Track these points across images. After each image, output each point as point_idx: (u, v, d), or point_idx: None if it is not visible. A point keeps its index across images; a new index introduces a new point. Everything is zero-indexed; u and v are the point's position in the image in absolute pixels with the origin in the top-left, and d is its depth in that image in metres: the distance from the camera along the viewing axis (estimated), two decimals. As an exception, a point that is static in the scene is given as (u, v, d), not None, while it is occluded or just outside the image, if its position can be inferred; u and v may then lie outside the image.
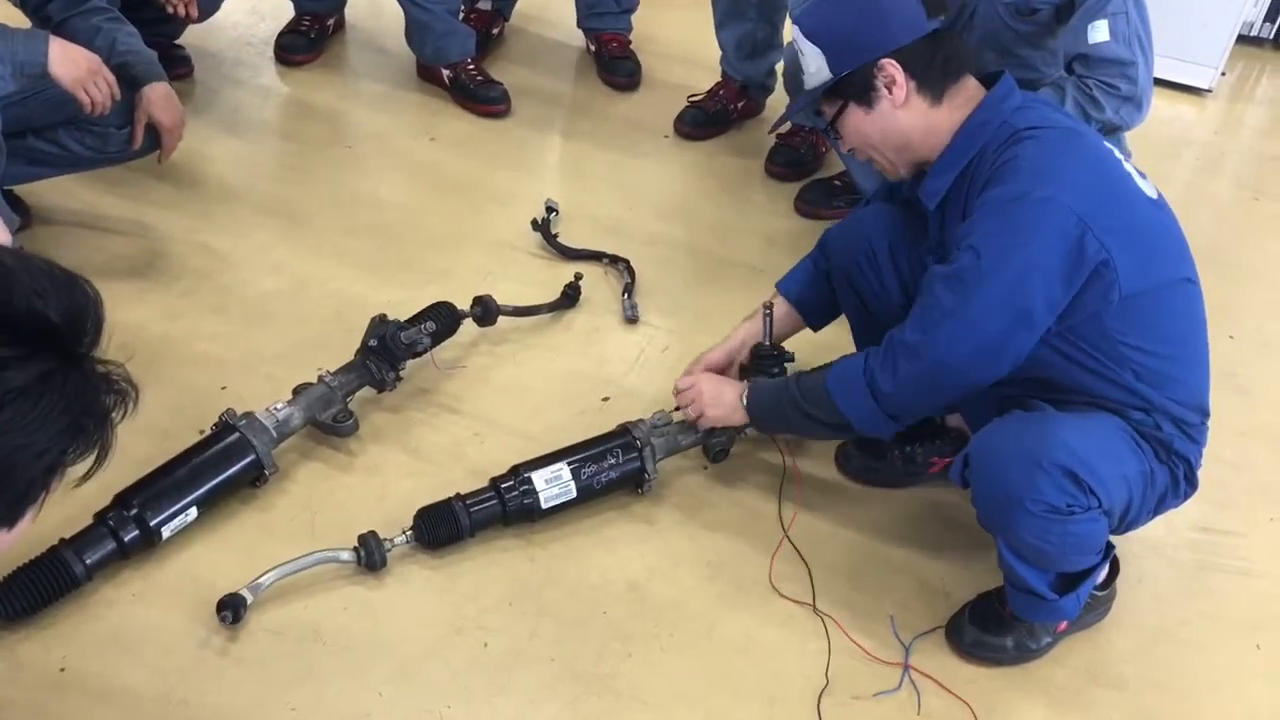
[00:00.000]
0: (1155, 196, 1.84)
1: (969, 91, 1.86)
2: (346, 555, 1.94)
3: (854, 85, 1.85)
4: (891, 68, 1.82)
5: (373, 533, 1.95)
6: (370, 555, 1.94)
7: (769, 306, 2.20)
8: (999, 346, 1.75)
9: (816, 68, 1.87)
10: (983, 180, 1.79)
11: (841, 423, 1.90)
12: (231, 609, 1.82)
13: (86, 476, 0.98)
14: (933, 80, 1.84)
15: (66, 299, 0.89)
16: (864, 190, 2.82)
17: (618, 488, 2.12)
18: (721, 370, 2.18)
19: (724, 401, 2.07)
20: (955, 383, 1.82)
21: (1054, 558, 1.78)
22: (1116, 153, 1.84)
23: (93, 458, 0.96)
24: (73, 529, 1.89)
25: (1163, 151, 3.51)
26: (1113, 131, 2.44)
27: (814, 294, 2.20)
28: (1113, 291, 1.73)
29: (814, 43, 1.86)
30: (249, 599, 1.84)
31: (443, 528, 1.99)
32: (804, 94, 1.94)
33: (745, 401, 2.05)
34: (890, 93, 1.83)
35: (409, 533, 1.99)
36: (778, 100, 3.30)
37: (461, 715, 1.79)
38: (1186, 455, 1.83)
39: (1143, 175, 1.85)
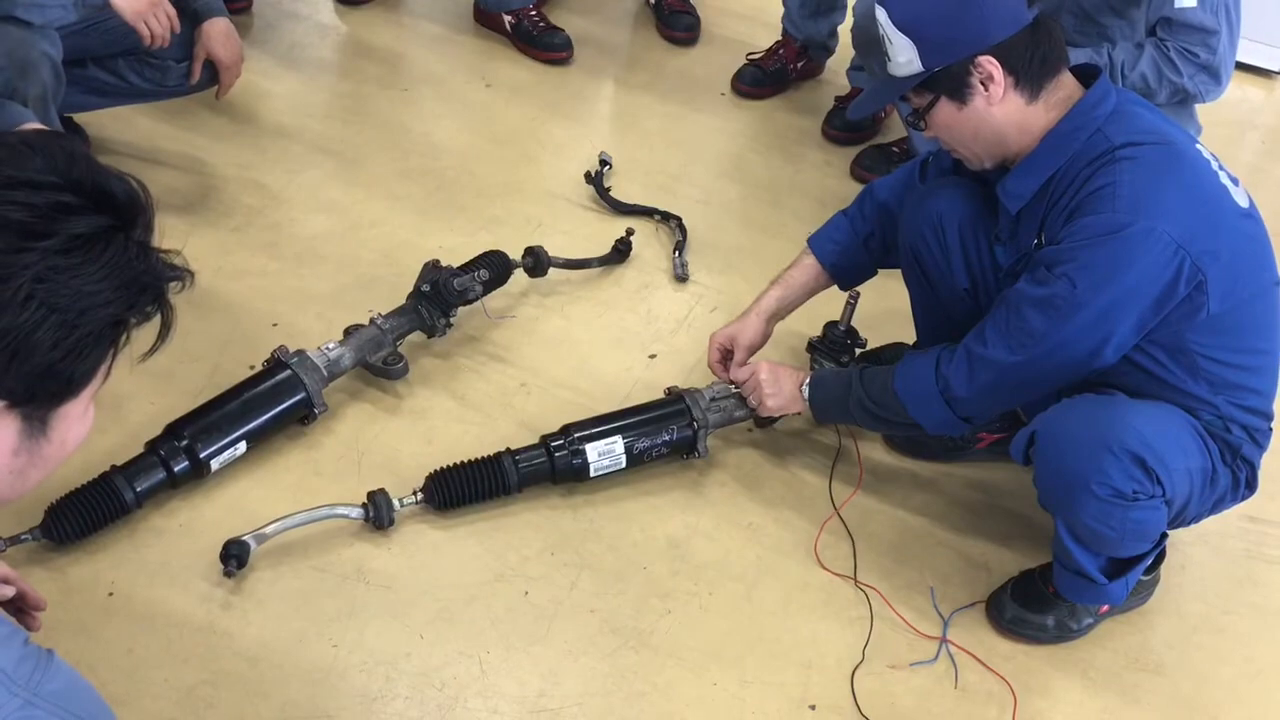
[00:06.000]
0: (1246, 206, 1.78)
1: (1066, 89, 1.77)
2: (355, 512, 1.91)
3: (947, 80, 1.74)
4: (990, 65, 1.71)
5: (382, 490, 1.93)
6: (379, 513, 1.91)
7: (854, 296, 2.18)
8: (1082, 364, 1.75)
9: (906, 59, 1.75)
10: (1073, 197, 1.72)
11: (910, 423, 1.89)
12: (237, 558, 1.80)
13: (151, 351, 1.02)
14: (1031, 77, 1.74)
15: (127, 186, 0.98)
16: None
17: (668, 458, 2.11)
18: (759, 342, 2.16)
19: (783, 391, 2.05)
20: (1033, 392, 1.83)
21: (1112, 542, 1.76)
22: (1213, 163, 1.77)
23: (155, 332, 1.02)
24: (124, 457, 1.91)
25: (1227, 134, 3.42)
26: (1185, 101, 2.40)
27: (849, 260, 2.16)
28: (1201, 312, 1.70)
29: (905, 33, 1.73)
30: (253, 546, 1.83)
31: (501, 479, 1.98)
32: (890, 84, 1.83)
33: (806, 394, 2.03)
34: (987, 90, 1.73)
35: (419, 494, 1.95)
36: (838, 62, 3.25)
37: (500, 661, 1.80)
38: (1251, 460, 1.82)
39: (1235, 181, 1.79)
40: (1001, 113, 1.76)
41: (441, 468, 1.99)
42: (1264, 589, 2.12)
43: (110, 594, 1.80)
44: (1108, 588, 1.84)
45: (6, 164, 0.91)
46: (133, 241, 0.96)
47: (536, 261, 2.42)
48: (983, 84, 1.74)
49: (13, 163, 0.92)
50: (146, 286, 0.97)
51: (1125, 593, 1.88)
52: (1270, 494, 2.24)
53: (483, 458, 2.00)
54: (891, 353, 2.32)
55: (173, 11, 2.27)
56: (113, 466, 1.89)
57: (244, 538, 1.83)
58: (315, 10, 3.32)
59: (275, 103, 2.94)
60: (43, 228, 0.90)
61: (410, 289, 2.26)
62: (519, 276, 2.43)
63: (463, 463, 1.99)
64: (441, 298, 2.21)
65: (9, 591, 1.51)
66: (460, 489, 1.97)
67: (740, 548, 2.04)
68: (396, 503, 1.94)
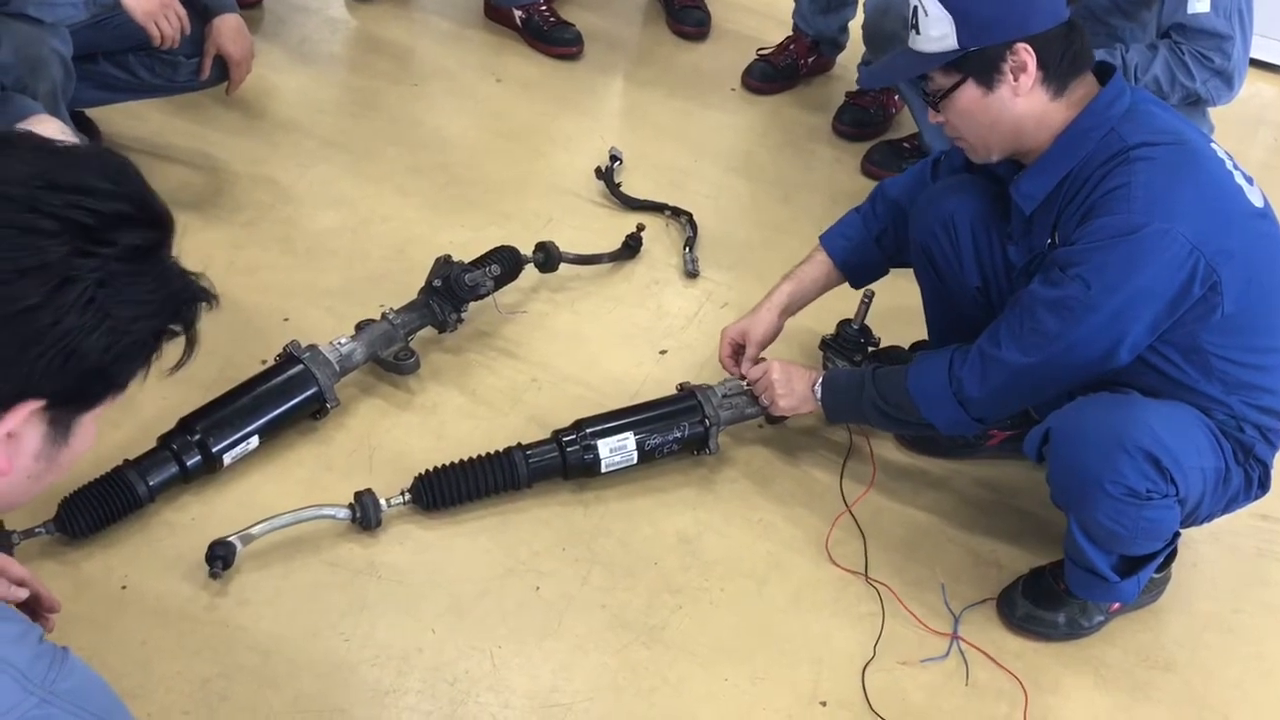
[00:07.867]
0: (1261, 205, 1.77)
1: (1085, 89, 1.76)
2: (342, 513, 1.90)
3: (979, 63, 1.72)
4: (1026, 53, 1.70)
5: (369, 491, 1.92)
6: (366, 514, 1.90)
7: (869, 295, 2.19)
8: (1096, 365, 1.74)
9: (940, 34, 1.72)
10: (1087, 197, 1.72)
11: (923, 423, 1.89)
12: (223, 559, 1.79)
13: (178, 366, 1.05)
14: (1060, 73, 1.73)
15: (164, 206, 1.00)
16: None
17: (679, 454, 2.11)
18: (771, 337, 2.16)
19: (795, 391, 2.05)
20: (1046, 393, 1.83)
21: (1124, 540, 1.76)
22: (1227, 163, 1.76)
23: (182, 348, 1.04)
24: (136, 451, 1.91)
25: (1238, 130, 3.40)
26: (1196, 103, 2.39)
27: (861, 257, 2.16)
28: (1215, 312, 1.70)
29: (946, 7, 1.70)
30: (239, 547, 1.82)
31: (494, 479, 1.97)
32: (915, 59, 1.79)
33: (818, 394, 2.03)
34: (1015, 79, 1.72)
35: (406, 494, 1.95)
36: (848, 58, 3.25)
37: (512, 656, 1.81)
38: (1264, 459, 1.82)
39: (1250, 181, 1.78)
40: (1025, 105, 1.75)
41: (429, 469, 1.98)
42: (1275, 587, 2.12)
43: (123, 587, 1.81)
44: (1119, 585, 1.84)
45: (70, 170, 0.93)
46: (172, 257, 0.98)
47: (547, 257, 2.42)
48: (1013, 72, 1.72)
49: (76, 168, 0.93)
50: (185, 301, 0.99)
51: (1137, 590, 1.88)
52: (1282, 492, 2.24)
53: (471, 458, 1.99)
54: (902, 353, 2.32)
55: (183, 12, 2.28)
56: (125, 460, 1.89)
57: (230, 538, 1.82)
58: (325, 5, 3.32)
59: (286, 97, 2.94)
60: (105, 235, 0.92)
61: (421, 284, 2.26)
62: (530, 272, 2.43)
63: (450, 464, 1.98)
64: (453, 293, 2.21)
65: (23, 594, 1.52)
66: (446, 490, 1.96)
67: (751, 544, 2.04)
68: (384, 503, 1.92)
